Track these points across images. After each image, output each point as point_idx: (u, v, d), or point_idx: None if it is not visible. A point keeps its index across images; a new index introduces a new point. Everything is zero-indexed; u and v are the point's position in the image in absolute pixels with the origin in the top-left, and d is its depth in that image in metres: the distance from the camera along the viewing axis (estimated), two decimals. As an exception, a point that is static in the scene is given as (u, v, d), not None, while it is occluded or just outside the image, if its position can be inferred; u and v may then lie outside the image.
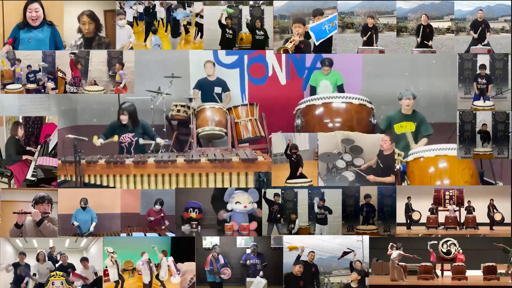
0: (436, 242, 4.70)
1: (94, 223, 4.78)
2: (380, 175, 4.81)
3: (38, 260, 4.58)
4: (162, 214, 4.92)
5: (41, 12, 4.89)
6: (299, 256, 4.59)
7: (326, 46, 5.01)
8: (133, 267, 4.66)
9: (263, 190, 4.83)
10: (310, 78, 6.47)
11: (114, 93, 5.12)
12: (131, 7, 5.20)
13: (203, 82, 6.52)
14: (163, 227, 4.89)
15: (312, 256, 4.60)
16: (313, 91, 6.34)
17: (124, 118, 5.40)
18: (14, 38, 4.88)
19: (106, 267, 4.61)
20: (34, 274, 4.55)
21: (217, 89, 6.50)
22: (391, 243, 4.70)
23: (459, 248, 4.67)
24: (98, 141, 5.26)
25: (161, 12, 5.39)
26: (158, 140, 5.44)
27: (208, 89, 6.48)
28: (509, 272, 4.56)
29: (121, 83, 5.01)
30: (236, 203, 4.86)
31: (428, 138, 5.44)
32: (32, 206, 4.58)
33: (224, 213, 4.89)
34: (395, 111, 5.48)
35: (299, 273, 4.52)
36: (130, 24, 5.17)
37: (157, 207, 4.94)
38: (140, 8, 5.36)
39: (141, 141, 5.41)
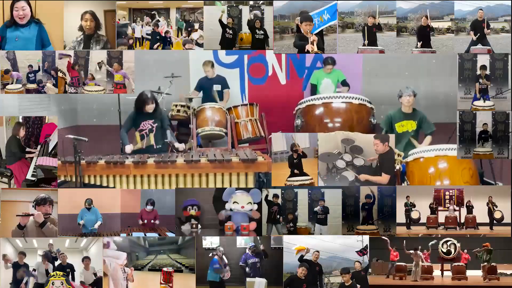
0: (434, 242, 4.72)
1: (99, 222, 4.81)
2: (377, 175, 4.80)
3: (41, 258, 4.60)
4: (154, 215, 4.95)
5: (28, 10, 4.90)
6: (302, 256, 4.58)
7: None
8: None
9: (265, 193, 4.83)
10: (310, 77, 6.46)
11: (112, 93, 5.12)
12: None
13: (203, 82, 6.51)
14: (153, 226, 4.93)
15: (316, 255, 4.60)
16: (314, 89, 6.33)
17: (151, 107, 5.29)
18: (1, 36, 4.89)
19: None
20: (34, 270, 4.56)
21: (217, 87, 6.48)
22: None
23: (461, 249, 4.69)
24: (129, 147, 5.22)
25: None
26: (177, 145, 5.31)
27: (209, 88, 6.48)
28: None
29: (123, 84, 5.01)
30: (234, 202, 4.86)
31: (431, 135, 5.40)
32: (33, 207, 4.57)
33: (224, 212, 4.90)
34: (394, 110, 5.47)
35: (303, 276, 4.46)
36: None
37: (149, 207, 4.95)
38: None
39: (169, 136, 5.29)
